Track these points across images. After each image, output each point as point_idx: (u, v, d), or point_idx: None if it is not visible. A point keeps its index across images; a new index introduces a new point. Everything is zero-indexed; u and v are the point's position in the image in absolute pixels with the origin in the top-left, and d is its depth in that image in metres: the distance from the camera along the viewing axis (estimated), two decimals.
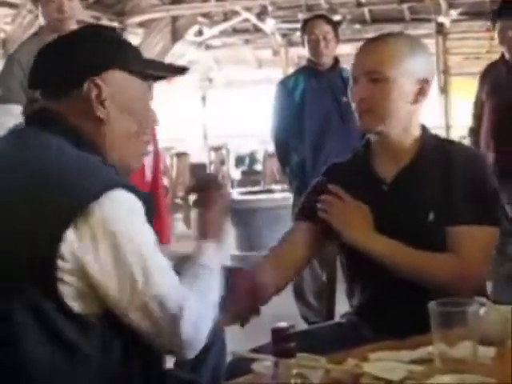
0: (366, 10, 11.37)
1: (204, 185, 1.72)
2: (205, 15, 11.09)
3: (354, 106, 1.93)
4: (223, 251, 1.60)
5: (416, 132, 1.95)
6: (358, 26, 11.43)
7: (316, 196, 2.00)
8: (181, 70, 1.70)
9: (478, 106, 4.13)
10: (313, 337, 1.88)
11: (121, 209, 1.34)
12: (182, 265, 1.54)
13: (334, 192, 1.93)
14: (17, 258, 1.30)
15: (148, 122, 1.56)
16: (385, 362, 1.39)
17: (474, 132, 4.17)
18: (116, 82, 1.47)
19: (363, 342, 1.60)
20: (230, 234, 1.67)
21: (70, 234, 1.29)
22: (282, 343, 1.09)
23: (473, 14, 10.77)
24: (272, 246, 2.03)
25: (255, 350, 1.55)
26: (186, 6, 10.07)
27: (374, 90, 1.87)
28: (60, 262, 1.29)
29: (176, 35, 10.32)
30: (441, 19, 11.10)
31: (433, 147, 1.94)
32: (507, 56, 3.98)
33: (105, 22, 9.61)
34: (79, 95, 1.45)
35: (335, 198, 1.93)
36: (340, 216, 1.91)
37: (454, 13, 10.73)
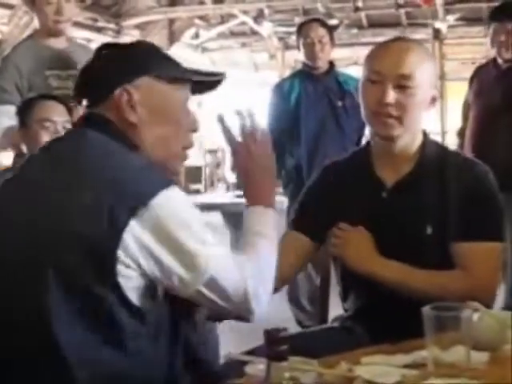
0: (362, 14, 11.37)
1: (234, 146, 1.75)
2: (202, 18, 11.09)
3: (372, 108, 1.88)
4: (274, 213, 1.65)
5: (420, 138, 1.94)
6: (354, 31, 11.43)
7: (311, 203, 2.00)
8: (217, 76, 1.73)
9: (466, 107, 4.15)
10: (306, 340, 1.87)
11: (179, 201, 1.44)
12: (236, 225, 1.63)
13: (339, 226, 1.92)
14: (84, 254, 1.36)
15: (184, 126, 1.62)
16: (378, 366, 1.39)
17: (461, 134, 4.18)
18: (148, 88, 1.55)
19: (356, 345, 1.60)
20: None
21: (134, 226, 1.37)
22: (275, 346, 1.09)
23: (470, 20, 10.79)
24: None
25: (249, 353, 1.55)
26: (182, 9, 10.07)
27: (402, 97, 1.84)
28: (120, 252, 1.36)
29: (173, 37, 10.33)
30: (438, 25, 11.11)
31: (434, 156, 1.92)
32: (499, 60, 3.99)
33: (101, 23, 9.60)
34: (112, 102, 1.53)
35: (335, 228, 1.92)
36: (342, 245, 1.90)
37: (450, 18, 10.74)
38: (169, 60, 1.62)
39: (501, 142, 3.80)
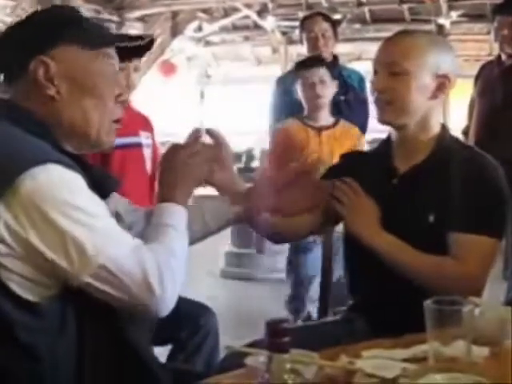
0: (366, 9, 11.35)
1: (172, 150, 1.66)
2: (205, 11, 11.07)
3: (373, 97, 1.97)
4: (186, 216, 1.56)
5: (435, 130, 1.97)
6: (357, 26, 11.41)
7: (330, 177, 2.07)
8: (138, 39, 1.60)
9: (472, 106, 4.14)
10: (306, 333, 1.87)
11: (55, 181, 1.30)
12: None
13: (348, 183, 1.96)
14: None
15: (110, 97, 1.51)
16: (378, 359, 1.39)
17: (466, 132, 4.17)
18: (65, 58, 1.44)
19: (357, 339, 1.60)
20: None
21: (3, 213, 1.27)
22: (277, 337, 1.09)
23: (473, 16, 10.77)
24: None
25: (250, 345, 1.55)
26: (185, 1, 10.05)
27: (393, 83, 1.90)
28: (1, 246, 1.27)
29: (175, 30, 10.31)
30: (441, 21, 11.08)
31: (449, 149, 1.94)
32: (502, 56, 3.98)
33: (104, 15, 9.59)
34: (27, 76, 1.43)
35: (349, 189, 1.96)
36: (350, 208, 1.95)
37: (454, 14, 10.72)
38: (89, 26, 1.50)
39: (504, 140, 3.80)
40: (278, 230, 2.01)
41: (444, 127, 1.99)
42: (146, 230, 1.52)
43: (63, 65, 1.44)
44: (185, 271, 1.45)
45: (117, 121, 1.53)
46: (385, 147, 2.06)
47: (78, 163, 1.40)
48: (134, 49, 1.59)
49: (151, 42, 1.62)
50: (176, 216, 1.53)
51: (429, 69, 1.90)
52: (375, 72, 1.96)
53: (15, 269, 1.29)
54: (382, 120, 1.97)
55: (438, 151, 1.94)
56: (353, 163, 2.12)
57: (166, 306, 1.38)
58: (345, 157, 2.20)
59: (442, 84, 1.92)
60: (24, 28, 1.48)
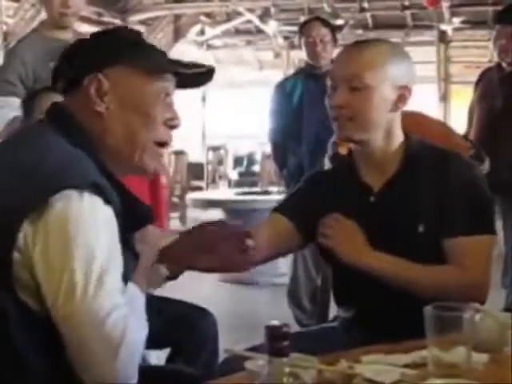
0: (368, 15, 11.39)
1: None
2: (207, 15, 11.10)
3: (332, 114, 1.87)
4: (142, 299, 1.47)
5: (399, 140, 1.90)
6: (360, 32, 11.44)
7: (299, 197, 2.01)
8: (198, 67, 1.60)
9: (471, 112, 4.15)
10: (305, 338, 1.87)
11: (85, 213, 1.29)
12: None
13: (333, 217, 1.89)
14: None
15: (158, 119, 1.52)
16: (378, 364, 1.39)
17: (466, 138, 4.17)
18: (119, 78, 1.48)
19: (356, 344, 1.60)
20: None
21: (26, 227, 1.28)
22: (276, 341, 1.08)
23: (475, 23, 10.80)
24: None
25: (250, 349, 1.54)
26: (188, 5, 10.08)
27: (354, 98, 1.82)
28: (16, 254, 1.28)
29: (178, 34, 10.34)
30: (443, 27, 11.12)
31: (419, 155, 1.89)
32: (502, 64, 3.99)
33: (107, 18, 9.61)
34: (80, 89, 1.47)
35: (331, 220, 1.88)
36: (336, 239, 1.86)
37: (456, 21, 10.74)
38: (149, 50, 1.54)
39: (503, 146, 3.80)
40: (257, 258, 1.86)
41: (407, 135, 1.92)
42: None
43: (116, 84, 1.48)
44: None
45: (163, 145, 1.54)
46: (348, 164, 1.98)
47: (116, 186, 1.42)
48: (195, 77, 1.60)
49: (211, 71, 1.62)
50: (142, 303, 1.44)
51: (389, 81, 1.84)
52: (333, 87, 1.87)
53: (24, 278, 1.30)
54: (344, 137, 1.89)
55: (408, 160, 1.89)
56: (317, 185, 2.03)
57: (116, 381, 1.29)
58: (307, 179, 2.09)
59: (403, 95, 1.86)
60: (89, 44, 1.54)
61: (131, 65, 1.49)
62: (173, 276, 1.62)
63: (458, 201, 1.82)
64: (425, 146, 1.94)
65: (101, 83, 1.46)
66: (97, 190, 1.32)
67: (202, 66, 1.60)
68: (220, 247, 1.65)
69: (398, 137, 1.90)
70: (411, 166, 1.88)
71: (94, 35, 1.57)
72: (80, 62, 1.50)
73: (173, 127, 1.55)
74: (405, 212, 1.85)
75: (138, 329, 1.32)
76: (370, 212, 1.88)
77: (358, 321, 1.95)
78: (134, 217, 1.44)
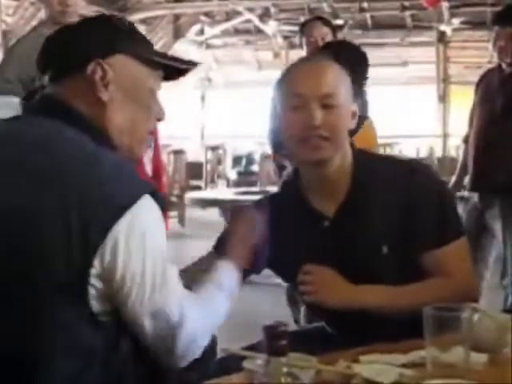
0: (368, 15, 11.40)
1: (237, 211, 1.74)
2: (207, 14, 11.11)
3: (302, 134, 1.76)
4: (237, 279, 1.64)
5: (349, 156, 1.84)
6: (359, 32, 11.45)
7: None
8: (189, 64, 1.63)
9: (472, 114, 4.14)
10: (304, 338, 1.86)
11: (150, 217, 1.36)
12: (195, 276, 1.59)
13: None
14: (53, 263, 1.29)
15: (153, 112, 1.54)
16: (376, 364, 1.39)
17: (466, 140, 4.17)
18: (122, 67, 1.47)
19: (353, 344, 1.60)
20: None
21: (107, 241, 1.29)
22: (275, 341, 1.08)
23: (474, 24, 10.80)
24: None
25: (247, 348, 1.54)
26: (188, 5, 10.09)
27: (327, 116, 1.75)
28: (93, 270, 1.30)
29: (178, 33, 10.34)
30: (442, 27, 11.12)
31: (368, 171, 1.82)
32: (502, 65, 3.99)
33: None
34: (83, 77, 1.44)
35: (309, 270, 1.80)
36: (319, 287, 1.78)
37: (455, 21, 10.75)
38: (144, 41, 1.54)
39: (502, 148, 3.80)
40: None
41: (353, 146, 1.85)
42: (200, 281, 1.57)
43: (119, 73, 1.46)
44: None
45: (151, 134, 1.59)
46: (295, 189, 1.89)
47: None
48: (176, 71, 1.62)
49: (195, 65, 1.65)
50: (233, 278, 1.62)
51: (350, 98, 1.81)
52: (296, 107, 1.76)
53: (97, 286, 1.32)
54: (320, 158, 1.77)
55: (359, 178, 1.81)
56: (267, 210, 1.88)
57: (185, 362, 1.43)
58: (256, 204, 1.97)
59: (355, 111, 1.83)
60: (84, 31, 1.50)
61: (131, 55, 1.48)
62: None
63: (425, 212, 1.77)
64: (371, 157, 1.90)
65: (105, 71, 1.44)
66: (151, 192, 1.37)
67: (188, 61, 1.63)
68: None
69: (349, 153, 1.84)
70: (363, 184, 1.81)
71: (84, 22, 1.53)
72: (77, 49, 1.46)
73: (160, 120, 1.58)
74: (364, 235, 1.78)
75: (202, 314, 1.43)
76: (326, 239, 1.81)
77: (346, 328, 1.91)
78: None
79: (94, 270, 1.30)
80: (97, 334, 1.33)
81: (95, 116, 1.44)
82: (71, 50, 1.47)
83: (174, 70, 1.58)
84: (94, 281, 1.30)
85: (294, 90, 1.79)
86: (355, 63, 2.79)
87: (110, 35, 1.49)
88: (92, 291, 1.31)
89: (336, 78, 1.80)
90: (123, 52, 1.47)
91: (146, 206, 1.34)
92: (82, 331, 1.31)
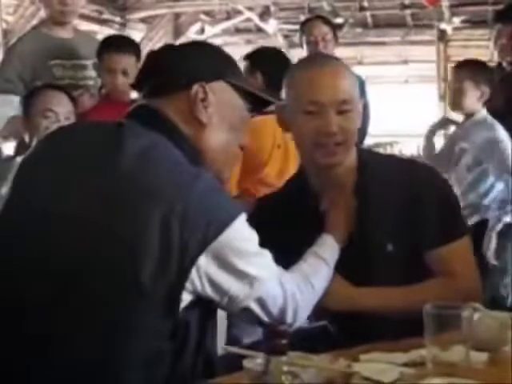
0: (368, 14, 11.37)
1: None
2: (207, 13, 11.09)
3: (315, 140, 1.77)
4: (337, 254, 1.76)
5: (354, 155, 1.86)
6: (359, 30, 11.43)
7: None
8: (273, 96, 1.72)
9: None
10: (304, 337, 1.87)
11: (246, 235, 1.44)
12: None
13: None
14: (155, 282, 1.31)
15: (240, 139, 1.62)
16: (376, 363, 1.39)
17: None
18: (222, 93, 1.55)
19: (354, 343, 1.59)
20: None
21: (201, 260, 1.34)
22: (275, 339, 1.08)
23: (475, 22, 10.78)
24: None
25: (247, 347, 1.54)
26: (188, 3, 10.07)
27: (342, 122, 1.76)
28: (187, 284, 1.34)
29: (178, 32, 10.33)
30: (443, 26, 11.10)
31: (373, 169, 1.83)
32: (503, 63, 3.99)
33: (107, 16, 9.60)
34: (186, 96, 1.50)
35: None
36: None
37: (456, 20, 10.73)
38: (242, 74, 1.67)
39: None
40: None
41: (357, 148, 1.87)
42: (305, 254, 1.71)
43: (219, 98, 1.53)
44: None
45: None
46: (302, 189, 1.90)
47: None
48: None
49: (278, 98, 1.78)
50: (334, 253, 1.75)
51: (358, 95, 1.84)
52: (311, 112, 1.76)
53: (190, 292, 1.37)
54: (335, 163, 1.80)
55: (364, 181, 1.82)
56: (272, 209, 1.91)
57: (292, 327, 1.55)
58: (259, 203, 2.02)
59: (360, 109, 1.85)
60: (200, 52, 1.60)
61: (232, 84, 1.57)
62: None
63: (429, 210, 1.77)
64: (374, 156, 1.92)
65: (207, 94, 1.50)
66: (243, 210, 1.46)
67: (270, 93, 1.73)
68: None
69: (353, 151, 1.86)
70: (369, 181, 1.82)
71: (194, 44, 1.67)
72: (189, 69, 1.53)
73: (243, 148, 1.67)
74: (370, 234, 1.80)
75: (304, 289, 1.59)
76: None
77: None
78: None
79: (189, 283, 1.34)
80: (168, 340, 1.35)
81: (192, 135, 1.50)
82: (182, 68, 1.54)
83: (260, 102, 1.66)
84: (186, 294, 1.34)
85: (310, 97, 1.77)
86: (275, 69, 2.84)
87: (220, 62, 1.59)
88: (184, 302, 1.35)
89: (350, 83, 1.81)
90: (225, 80, 1.56)
91: (242, 224, 1.42)
92: (159, 339, 1.34)
